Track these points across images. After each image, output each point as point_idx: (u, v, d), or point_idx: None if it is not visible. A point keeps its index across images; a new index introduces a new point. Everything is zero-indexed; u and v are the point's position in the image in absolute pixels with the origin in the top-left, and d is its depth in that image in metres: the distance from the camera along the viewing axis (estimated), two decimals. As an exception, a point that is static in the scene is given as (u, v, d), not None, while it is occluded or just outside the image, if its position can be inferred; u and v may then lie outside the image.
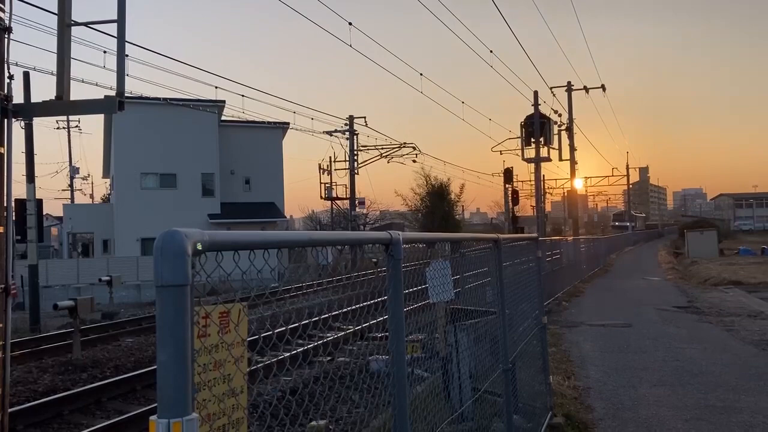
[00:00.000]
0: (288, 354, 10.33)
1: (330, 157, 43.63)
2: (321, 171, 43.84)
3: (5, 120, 4.54)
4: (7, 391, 4.59)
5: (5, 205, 4.58)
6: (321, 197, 45.17)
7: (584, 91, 37.57)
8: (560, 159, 34.56)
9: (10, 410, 4.82)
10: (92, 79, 52.96)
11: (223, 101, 35.44)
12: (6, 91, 4.54)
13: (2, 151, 4.54)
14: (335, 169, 43.62)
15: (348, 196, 43.71)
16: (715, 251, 39.98)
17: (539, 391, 6.84)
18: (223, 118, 41.57)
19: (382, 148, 43.04)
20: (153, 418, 1.32)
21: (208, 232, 1.51)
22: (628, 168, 68.93)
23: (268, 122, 41.44)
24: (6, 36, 4.58)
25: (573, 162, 36.53)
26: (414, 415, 3.17)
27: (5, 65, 4.59)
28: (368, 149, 43.27)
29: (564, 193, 47.39)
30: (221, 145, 41.87)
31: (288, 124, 40.36)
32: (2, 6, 4.54)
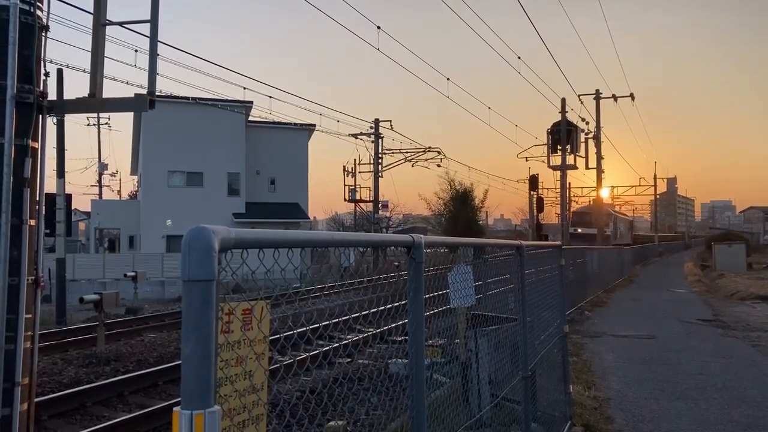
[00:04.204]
0: (308, 354, 10.41)
1: (354, 160, 43.87)
2: (345, 173, 44.02)
3: (40, 116, 4.65)
4: (34, 381, 4.69)
5: (38, 198, 4.69)
6: (345, 199, 45.33)
7: (613, 99, 37.26)
8: (587, 167, 34.34)
9: (35, 400, 4.93)
10: (122, 77, 53.82)
11: (251, 102, 35.73)
12: (42, 88, 4.65)
13: (36, 147, 4.65)
14: (359, 172, 43.80)
15: (371, 199, 43.83)
16: (743, 265, 39.26)
17: (559, 400, 6.79)
18: (250, 118, 41.98)
19: (407, 152, 43.17)
20: (176, 409, 1.36)
21: (235, 230, 1.55)
22: (655, 178, 68.15)
23: (295, 124, 41.77)
24: (43, 34, 4.70)
25: (599, 170, 36.21)
26: (432, 418, 3.18)
27: (42, 63, 4.71)
28: (393, 153, 43.43)
29: (590, 201, 46.89)
30: (248, 146, 42.25)
31: (314, 126, 40.64)
32: (40, 5, 4.65)
